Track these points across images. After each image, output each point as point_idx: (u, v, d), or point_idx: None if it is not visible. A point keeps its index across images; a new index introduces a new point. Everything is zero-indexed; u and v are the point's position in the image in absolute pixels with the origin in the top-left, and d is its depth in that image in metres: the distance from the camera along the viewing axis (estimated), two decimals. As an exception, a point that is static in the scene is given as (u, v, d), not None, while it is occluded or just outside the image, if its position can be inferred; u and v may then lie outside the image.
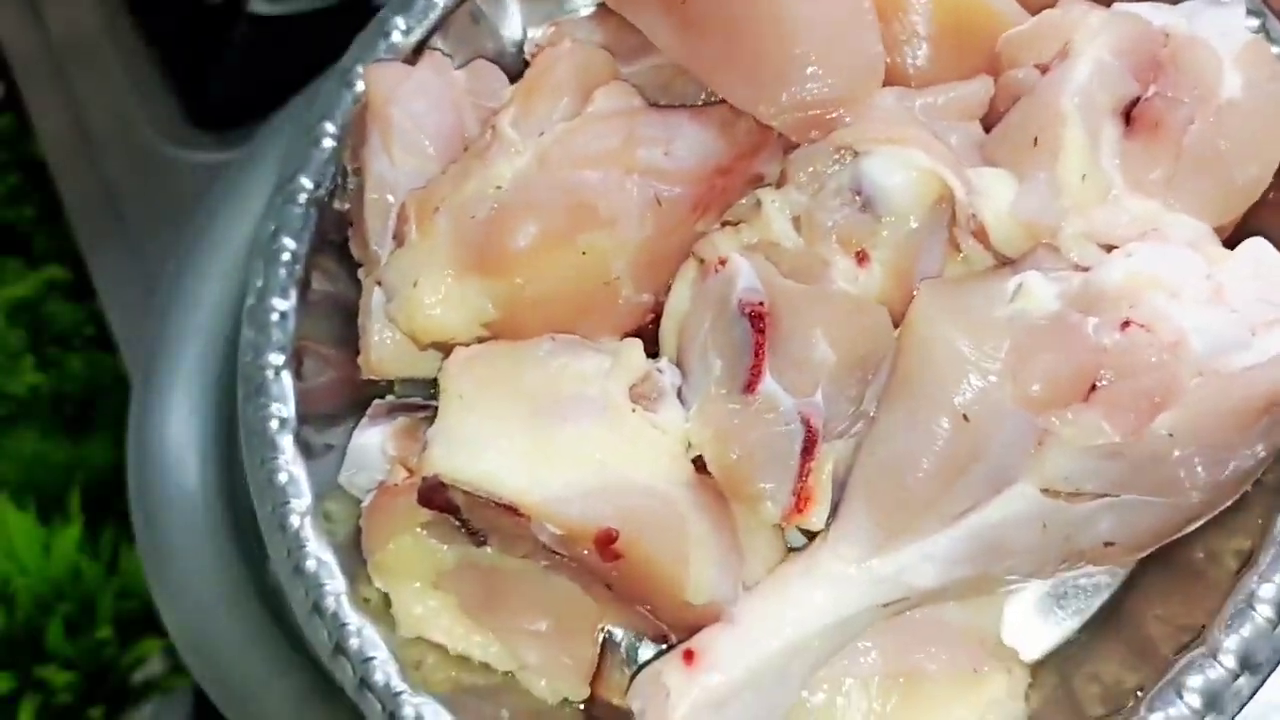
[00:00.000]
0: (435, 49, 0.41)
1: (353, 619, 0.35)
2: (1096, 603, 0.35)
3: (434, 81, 0.38)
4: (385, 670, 0.34)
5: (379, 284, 0.36)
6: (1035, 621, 0.35)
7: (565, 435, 0.33)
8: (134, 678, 0.58)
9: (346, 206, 0.39)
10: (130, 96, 0.65)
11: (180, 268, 0.49)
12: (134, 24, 0.68)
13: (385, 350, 0.37)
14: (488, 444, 0.32)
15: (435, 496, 0.33)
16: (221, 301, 0.48)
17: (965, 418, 0.31)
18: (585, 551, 0.32)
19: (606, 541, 0.32)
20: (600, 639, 0.36)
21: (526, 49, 0.41)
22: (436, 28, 0.41)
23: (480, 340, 0.35)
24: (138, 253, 0.61)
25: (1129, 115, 0.34)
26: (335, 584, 0.35)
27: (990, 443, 0.31)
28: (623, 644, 0.36)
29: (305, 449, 0.37)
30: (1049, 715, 0.34)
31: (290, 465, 0.36)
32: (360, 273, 0.38)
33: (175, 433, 0.46)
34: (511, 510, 0.32)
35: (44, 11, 0.69)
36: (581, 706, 0.36)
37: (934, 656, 0.34)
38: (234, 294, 0.48)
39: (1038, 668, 0.35)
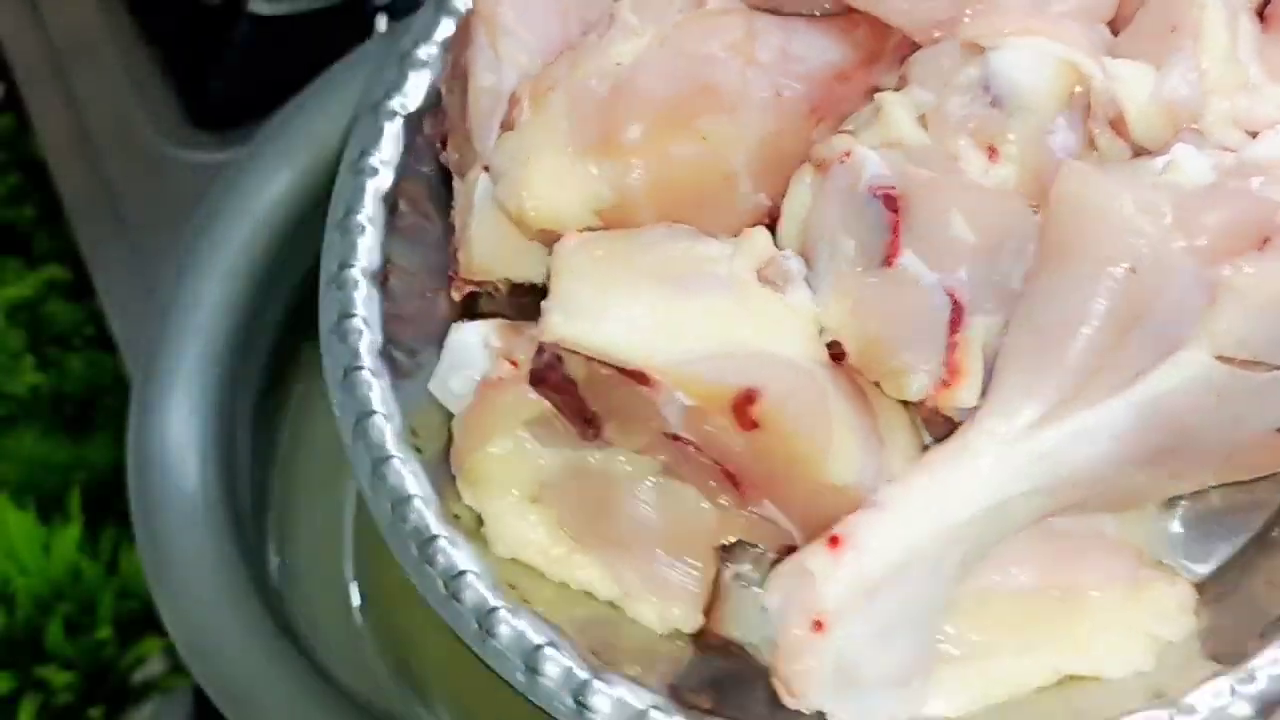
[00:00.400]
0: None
1: (442, 531, 0.33)
2: (1260, 519, 0.33)
3: None
4: (478, 586, 0.32)
5: (485, 170, 0.34)
6: (1194, 540, 0.33)
7: (693, 307, 0.31)
8: (134, 678, 0.58)
9: (439, 128, 0.38)
10: (130, 96, 0.65)
11: (180, 268, 0.48)
12: (134, 24, 0.68)
13: (487, 245, 0.35)
14: (610, 311, 0.30)
15: (550, 374, 0.30)
16: (222, 301, 0.48)
17: (1132, 271, 0.29)
18: (717, 427, 0.30)
19: (745, 403, 0.29)
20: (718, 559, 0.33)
21: None
22: None
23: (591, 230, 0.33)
24: (138, 253, 0.61)
25: (1263, 14, 0.32)
26: (423, 497, 0.33)
27: (1158, 300, 0.29)
28: (728, 575, 0.34)
29: (390, 364, 0.35)
30: (1221, 630, 0.32)
31: (375, 375, 0.35)
32: (455, 184, 0.37)
33: (175, 433, 0.46)
34: (639, 378, 0.30)
35: (44, 11, 0.69)
36: (691, 639, 0.33)
37: (1091, 569, 0.32)
38: (235, 294, 0.48)
39: (1203, 585, 0.33)
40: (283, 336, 0.51)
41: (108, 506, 0.60)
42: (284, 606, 0.47)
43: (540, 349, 0.31)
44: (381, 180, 0.37)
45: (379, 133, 0.38)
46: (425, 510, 0.33)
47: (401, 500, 0.33)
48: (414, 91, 0.38)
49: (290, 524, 0.51)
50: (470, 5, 0.38)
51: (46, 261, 0.68)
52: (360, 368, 0.35)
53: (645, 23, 0.33)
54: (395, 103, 0.38)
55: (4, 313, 0.65)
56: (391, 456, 0.34)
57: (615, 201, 0.33)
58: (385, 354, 0.35)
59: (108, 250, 0.62)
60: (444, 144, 0.38)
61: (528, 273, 0.35)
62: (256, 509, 0.49)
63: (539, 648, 0.32)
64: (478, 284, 0.36)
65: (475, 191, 0.35)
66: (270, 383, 0.51)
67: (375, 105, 0.38)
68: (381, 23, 0.62)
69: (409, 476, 0.34)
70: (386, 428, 0.34)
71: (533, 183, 0.33)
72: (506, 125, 0.34)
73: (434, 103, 0.38)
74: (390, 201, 0.37)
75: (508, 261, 0.35)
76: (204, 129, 0.64)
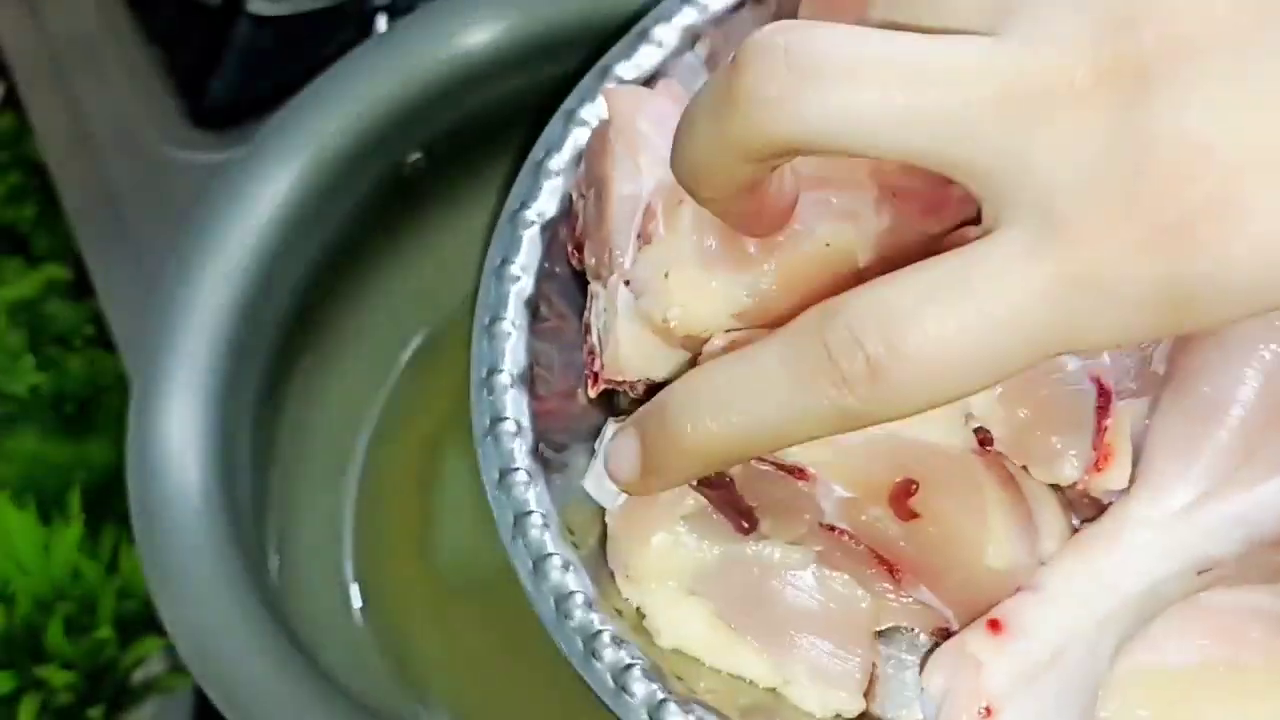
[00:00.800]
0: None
1: (607, 627, 0.34)
2: None
3: (671, 105, 0.38)
4: (646, 680, 0.33)
5: (626, 283, 0.36)
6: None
7: None
8: (134, 677, 0.58)
9: (574, 231, 0.39)
10: (130, 96, 0.65)
11: (180, 268, 0.48)
12: (134, 24, 0.68)
13: (632, 348, 0.36)
14: None
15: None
16: (222, 301, 0.48)
17: None
18: (874, 517, 0.30)
19: (904, 495, 0.30)
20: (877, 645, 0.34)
21: None
22: (658, 73, 0.42)
23: (730, 331, 0.34)
24: (138, 253, 0.61)
25: None
26: (584, 593, 0.34)
27: None
28: (882, 657, 0.35)
29: (543, 464, 0.36)
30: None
31: (530, 476, 0.36)
32: (593, 287, 0.38)
33: (176, 433, 0.46)
34: (796, 473, 0.31)
35: (44, 11, 0.69)
36: (851, 723, 0.34)
37: (1253, 644, 0.31)
38: (234, 294, 0.48)
39: None
40: (283, 336, 0.51)
41: (108, 506, 0.60)
42: (284, 606, 0.47)
43: None
44: (523, 286, 0.39)
45: (518, 241, 0.40)
46: (587, 606, 0.34)
47: (564, 597, 0.34)
48: (547, 200, 0.40)
49: (290, 524, 0.51)
50: (603, 116, 0.40)
51: (46, 261, 0.68)
52: (515, 469, 0.36)
53: None
54: (531, 212, 0.40)
55: (4, 313, 0.65)
56: (551, 554, 0.35)
57: (752, 305, 0.34)
58: (537, 454, 0.36)
59: (108, 250, 0.62)
60: (578, 249, 0.39)
61: (667, 373, 0.36)
62: (256, 509, 0.49)
63: None
64: (617, 383, 0.37)
65: (617, 298, 0.36)
66: (270, 383, 0.51)
67: (513, 215, 0.40)
68: (381, 23, 0.63)
69: (569, 573, 0.35)
70: (544, 526, 0.35)
71: (673, 294, 0.34)
72: (643, 238, 0.36)
73: (566, 208, 0.40)
74: (532, 305, 0.39)
75: (649, 363, 0.36)
76: (204, 129, 0.64)
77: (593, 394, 0.37)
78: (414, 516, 0.54)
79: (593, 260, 0.38)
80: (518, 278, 0.39)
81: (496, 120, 0.54)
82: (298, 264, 0.51)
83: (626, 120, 0.38)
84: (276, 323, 0.51)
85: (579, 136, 0.41)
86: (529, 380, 0.37)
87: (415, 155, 0.53)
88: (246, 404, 0.49)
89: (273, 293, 0.49)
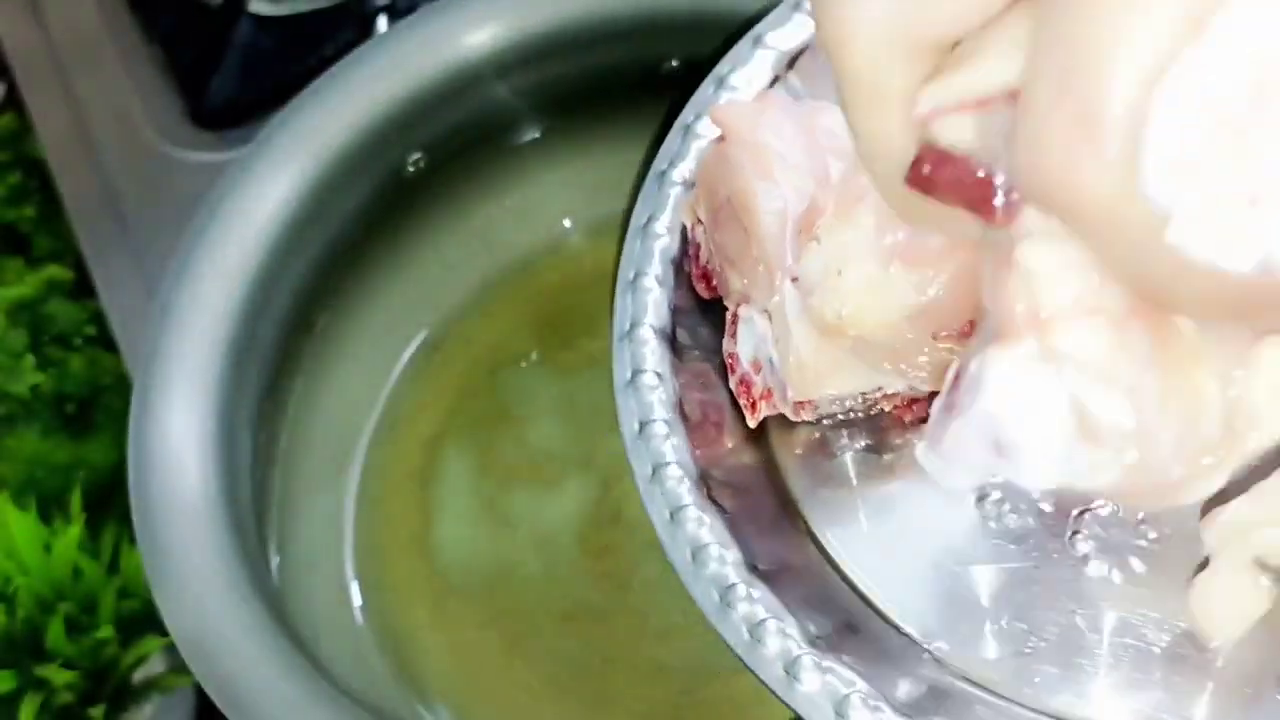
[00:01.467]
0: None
1: (740, 579, 0.34)
2: None
3: (783, 114, 0.38)
4: (781, 633, 0.33)
5: (792, 280, 0.35)
6: None
7: None
8: (135, 677, 0.58)
9: (698, 260, 0.39)
10: (131, 96, 0.65)
11: (180, 268, 0.49)
12: (134, 24, 0.68)
13: (809, 359, 0.35)
14: None
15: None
16: (222, 302, 0.48)
17: None
18: None
19: None
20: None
21: None
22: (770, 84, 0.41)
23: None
24: (138, 253, 0.61)
25: None
26: (719, 544, 0.35)
27: None
28: None
29: (683, 418, 0.37)
30: None
31: (669, 427, 0.36)
32: (742, 312, 0.37)
33: (176, 432, 0.46)
34: None
35: (44, 11, 0.69)
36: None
37: None
38: (235, 294, 0.48)
39: None
40: (283, 336, 0.51)
41: (109, 506, 0.60)
42: (284, 606, 0.47)
43: None
44: (666, 243, 0.39)
45: (664, 200, 0.40)
46: (722, 560, 0.35)
47: (700, 548, 0.35)
48: (672, 217, 0.40)
49: (290, 524, 0.51)
50: (716, 133, 0.39)
51: (47, 261, 0.68)
52: (654, 420, 0.36)
53: None
54: (659, 224, 0.40)
55: (5, 312, 0.65)
56: (687, 505, 0.35)
57: (927, 302, 0.34)
58: (678, 407, 0.37)
59: (108, 250, 0.62)
60: (705, 278, 0.39)
61: (854, 386, 0.36)
62: (257, 509, 0.49)
63: (846, 696, 0.32)
64: (801, 405, 0.37)
65: (788, 314, 0.36)
66: (270, 382, 0.51)
67: (640, 228, 0.40)
68: (382, 23, 0.63)
69: (703, 527, 0.35)
70: (681, 479, 0.36)
71: (848, 292, 0.34)
72: (808, 236, 0.35)
73: (683, 242, 0.40)
74: (676, 264, 0.39)
75: (836, 375, 0.36)
76: (204, 129, 0.64)
77: (753, 423, 0.37)
78: (414, 516, 0.54)
79: (741, 283, 0.37)
80: (660, 235, 0.39)
81: (496, 120, 0.55)
82: (298, 264, 0.51)
83: (748, 136, 0.37)
84: (277, 322, 0.51)
85: (696, 150, 0.40)
86: (670, 336, 0.38)
87: (415, 155, 0.53)
88: (247, 404, 0.49)
89: (273, 292, 0.50)
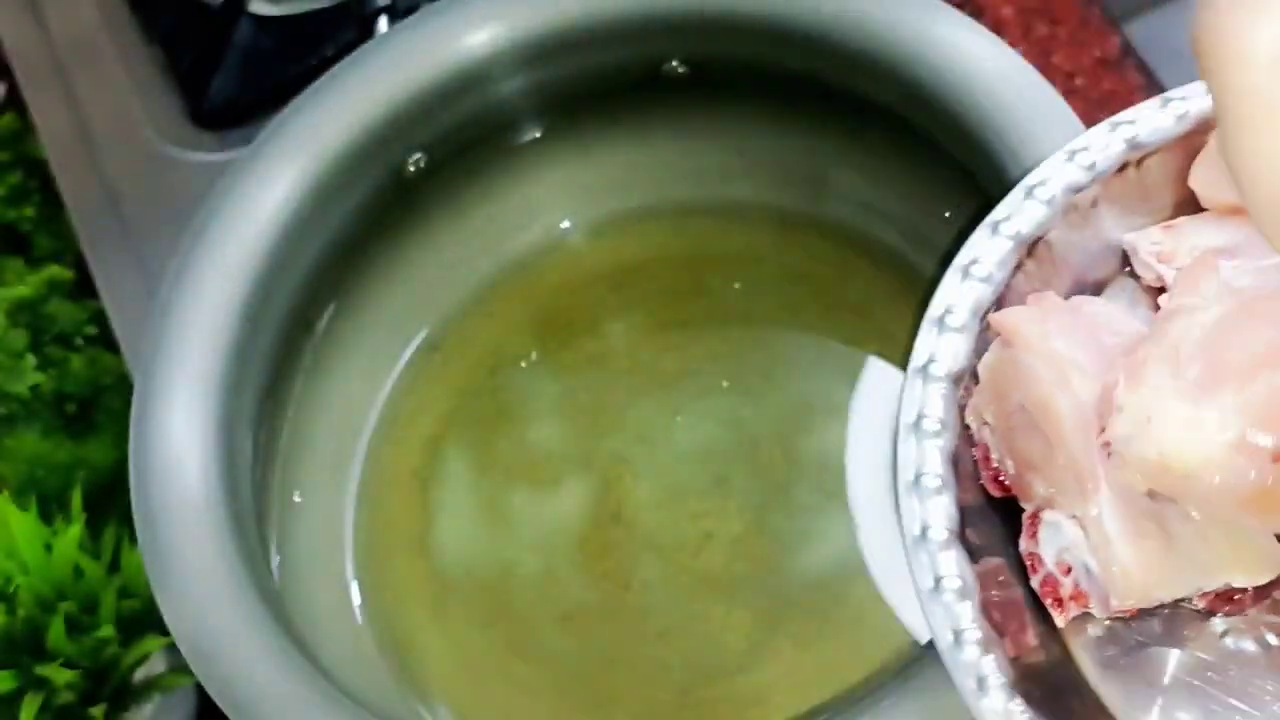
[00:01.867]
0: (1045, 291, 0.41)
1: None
2: None
3: (1068, 315, 0.38)
4: None
5: (1104, 447, 0.36)
6: None
7: None
8: (136, 677, 0.58)
9: (987, 461, 0.39)
10: (131, 96, 0.65)
11: (180, 268, 0.49)
12: (134, 24, 0.68)
13: (1134, 568, 0.35)
14: None
15: None
16: (223, 301, 0.48)
17: None
18: None
19: None
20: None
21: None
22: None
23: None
24: (139, 252, 0.61)
25: None
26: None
27: None
28: None
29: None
30: None
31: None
32: (1048, 516, 0.37)
33: (177, 432, 0.46)
34: None
35: (44, 11, 0.69)
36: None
37: None
38: (235, 294, 0.48)
39: None
40: (283, 336, 0.51)
41: (109, 505, 0.60)
42: (284, 606, 0.47)
43: None
44: (945, 443, 0.39)
45: (934, 396, 0.39)
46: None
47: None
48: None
49: (290, 524, 0.51)
50: (970, 327, 0.40)
51: (47, 261, 0.68)
52: (964, 629, 0.36)
53: (1209, 300, 0.35)
54: (940, 365, 0.40)
55: (5, 313, 0.65)
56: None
57: (1248, 421, 0.34)
58: (986, 613, 0.36)
59: (108, 250, 0.62)
60: (995, 480, 0.39)
61: (1178, 592, 0.36)
62: (257, 509, 0.49)
63: None
64: (1120, 614, 0.37)
65: (1105, 524, 0.36)
66: (271, 382, 0.51)
67: (914, 425, 0.40)
68: (382, 23, 0.63)
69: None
70: (1013, 694, 0.35)
71: (1162, 434, 0.34)
72: (1107, 412, 0.36)
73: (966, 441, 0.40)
74: (953, 462, 0.39)
75: (1160, 576, 0.36)
76: (204, 129, 0.64)
77: (1062, 623, 0.37)
78: (414, 516, 0.54)
79: (1046, 490, 0.37)
80: (933, 432, 0.39)
81: (496, 120, 0.55)
82: (298, 264, 0.51)
83: (1039, 343, 0.37)
84: (277, 322, 0.51)
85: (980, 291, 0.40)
86: (960, 535, 0.37)
87: (415, 155, 0.53)
88: (247, 403, 0.49)
89: (273, 292, 0.50)
